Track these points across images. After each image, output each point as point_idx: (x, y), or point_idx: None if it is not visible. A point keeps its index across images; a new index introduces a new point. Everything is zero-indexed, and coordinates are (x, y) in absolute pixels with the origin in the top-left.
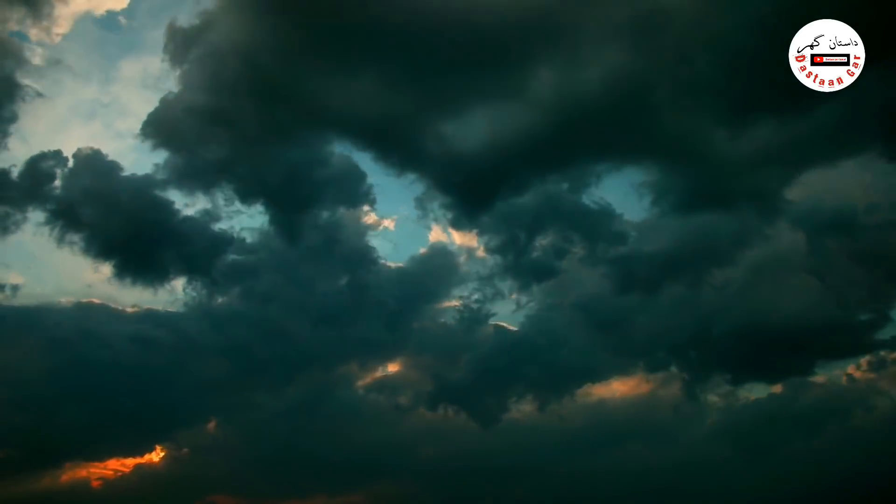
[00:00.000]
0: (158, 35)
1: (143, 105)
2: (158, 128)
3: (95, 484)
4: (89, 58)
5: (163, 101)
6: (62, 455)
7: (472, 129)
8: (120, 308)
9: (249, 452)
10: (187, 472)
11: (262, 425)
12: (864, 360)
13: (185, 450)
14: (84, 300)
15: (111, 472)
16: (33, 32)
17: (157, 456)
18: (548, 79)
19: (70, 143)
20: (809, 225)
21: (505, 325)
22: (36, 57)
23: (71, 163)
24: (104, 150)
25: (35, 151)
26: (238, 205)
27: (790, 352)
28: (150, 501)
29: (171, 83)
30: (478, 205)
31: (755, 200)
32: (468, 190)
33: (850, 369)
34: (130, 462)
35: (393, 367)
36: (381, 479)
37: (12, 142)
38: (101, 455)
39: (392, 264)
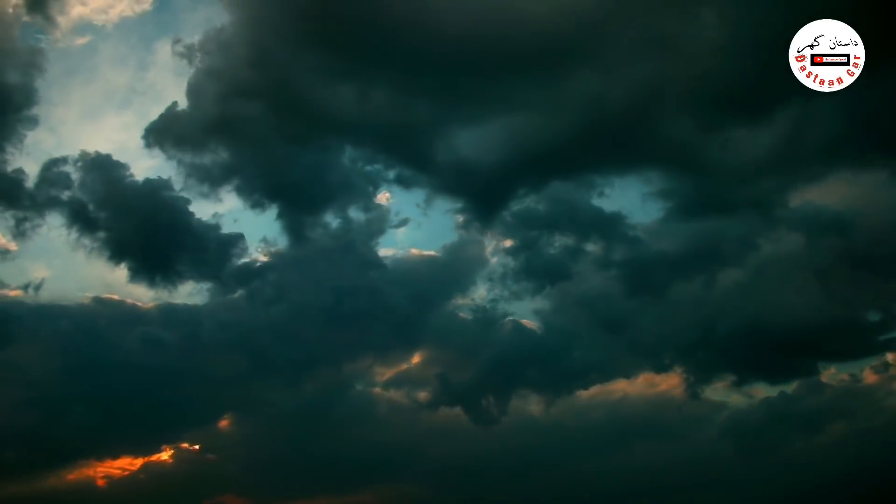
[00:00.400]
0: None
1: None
2: (160, 136)
3: (101, 482)
4: (125, 42)
5: (169, 109)
6: (74, 453)
7: (488, 137)
8: (140, 304)
9: (260, 452)
10: (197, 471)
11: (274, 424)
12: (871, 362)
13: (196, 447)
14: (104, 295)
15: (119, 471)
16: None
17: (166, 454)
18: (564, 92)
19: (100, 135)
20: (815, 228)
21: (516, 323)
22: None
23: (79, 167)
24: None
25: (69, 147)
26: (253, 207)
27: (796, 353)
28: (160, 500)
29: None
30: (492, 209)
31: (761, 205)
32: (483, 195)
33: (857, 370)
34: (140, 461)
35: (405, 366)
36: (395, 477)
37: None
38: (113, 453)
39: (420, 252)
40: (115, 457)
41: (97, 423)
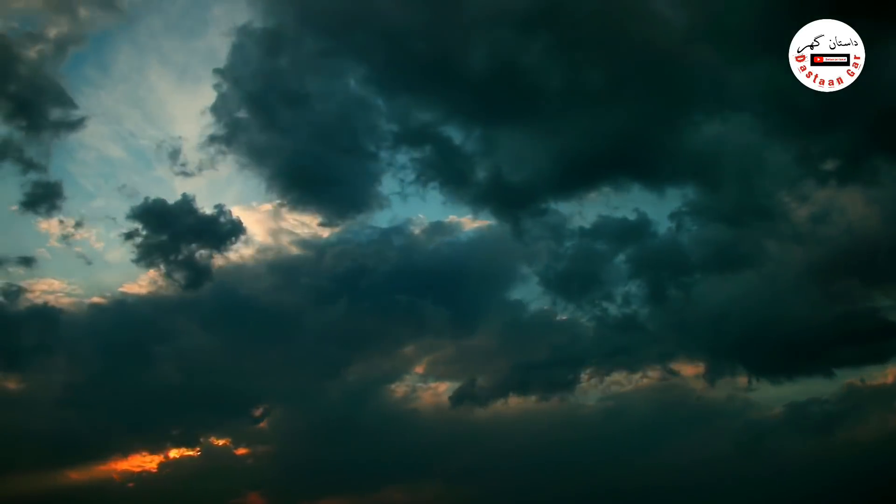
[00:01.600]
0: None
1: None
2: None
3: (117, 478)
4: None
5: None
6: (104, 448)
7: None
8: (173, 293)
9: (294, 446)
10: (224, 469)
11: (310, 418)
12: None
13: (224, 441)
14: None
15: (140, 468)
16: None
17: (193, 450)
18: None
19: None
20: (830, 232)
21: (541, 325)
22: None
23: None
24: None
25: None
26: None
27: (815, 355)
28: (186, 496)
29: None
30: (527, 218)
31: (775, 212)
32: (519, 206)
33: (869, 371)
34: (161, 457)
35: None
36: (428, 474)
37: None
38: (138, 449)
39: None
40: (139, 452)
41: (121, 418)
